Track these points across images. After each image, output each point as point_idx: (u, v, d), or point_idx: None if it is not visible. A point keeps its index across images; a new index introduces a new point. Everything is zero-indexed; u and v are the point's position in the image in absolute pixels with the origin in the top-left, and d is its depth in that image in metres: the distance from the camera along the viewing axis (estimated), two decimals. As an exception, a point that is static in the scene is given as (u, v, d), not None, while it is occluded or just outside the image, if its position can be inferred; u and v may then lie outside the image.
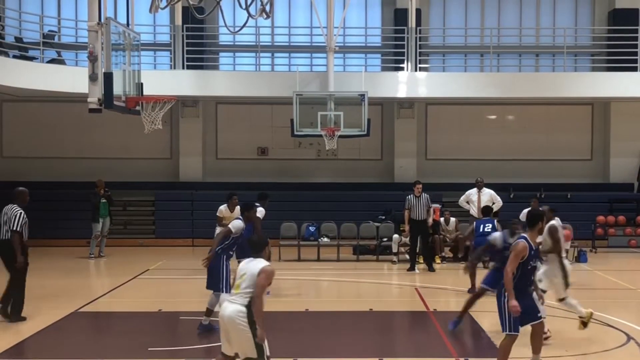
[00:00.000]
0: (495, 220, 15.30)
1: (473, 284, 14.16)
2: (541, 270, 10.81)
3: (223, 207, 16.93)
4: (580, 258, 19.53)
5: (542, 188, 23.41)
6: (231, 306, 7.67)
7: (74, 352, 10.80)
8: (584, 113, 24.91)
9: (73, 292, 14.96)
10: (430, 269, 18.06)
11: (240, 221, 11.49)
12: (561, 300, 10.92)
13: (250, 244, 8.18)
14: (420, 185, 18.38)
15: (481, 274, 13.32)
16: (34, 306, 13.60)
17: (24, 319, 12.08)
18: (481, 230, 15.04)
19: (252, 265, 7.80)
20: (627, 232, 22.71)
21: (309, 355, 10.08)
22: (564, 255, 11.37)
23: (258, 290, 7.62)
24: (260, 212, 13.72)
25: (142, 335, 11.46)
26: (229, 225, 11.42)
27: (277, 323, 11.90)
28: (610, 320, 11.95)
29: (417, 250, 18.47)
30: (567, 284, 10.84)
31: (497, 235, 11.99)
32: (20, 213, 12.02)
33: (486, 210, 16.08)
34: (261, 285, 7.63)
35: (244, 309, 7.61)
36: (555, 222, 11.62)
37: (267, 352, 7.69)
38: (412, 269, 18.02)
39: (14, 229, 11.83)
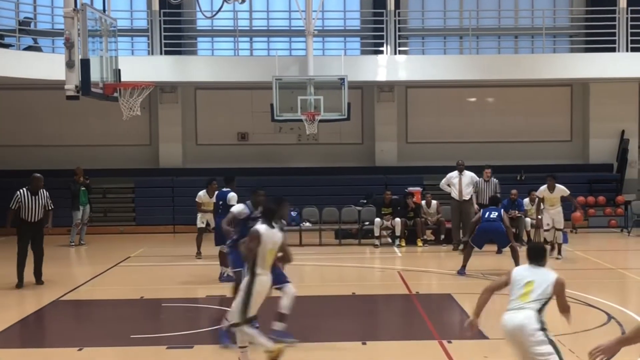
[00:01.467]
0: (502, 210, 15.28)
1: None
2: None
3: (202, 193, 16.90)
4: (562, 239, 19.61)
5: (522, 170, 23.51)
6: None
7: (56, 341, 10.77)
8: (563, 94, 24.99)
9: (54, 281, 14.85)
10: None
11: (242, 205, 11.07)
12: None
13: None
14: (489, 170, 18.75)
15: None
16: (15, 295, 13.54)
17: (22, 285, 14.12)
18: (486, 216, 14.97)
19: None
20: (607, 212, 22.87)
21: (294, 339, 10.04)
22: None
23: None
24: (233, 197, 13.69)
25: (124, 322, 11.42)
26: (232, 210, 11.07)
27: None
28: (591, 300, 12.02)
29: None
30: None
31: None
32: (16, 194, 14.14)
33: (493, 201, 15.97)
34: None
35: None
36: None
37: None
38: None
39: (10, 205, 14.16)
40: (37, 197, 14.25)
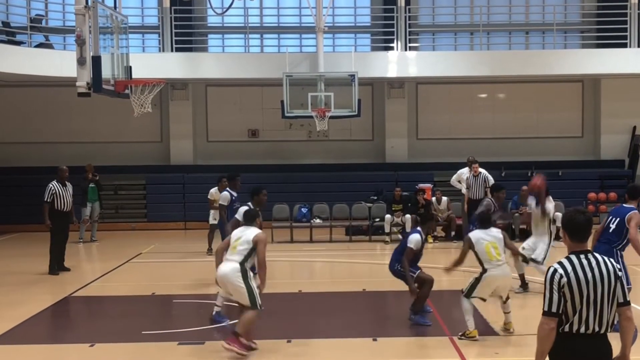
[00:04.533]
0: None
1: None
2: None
3: (213, 190, 16.99)
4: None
5: (533, 166, 23.44)
6: (229, 264, 9.16)
7: (67, 337, 10.82)
8: (574, 90, 24.91)
9: (65, 277, 14.94)
10: None
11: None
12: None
13: (245, 215, 10.01)
14: (477, 165, 18.40)
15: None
16: (28, 291, 13.61)
17: (56, 272, 15.05)
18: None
19: (247, 232, 9.31)
20: (618, 208, 22.76)
21: (302, 337, 10.09)
22: None
23: (261, 259, 9.16)
24: (223, 197, 13.65)
25: (135, 318, 11.46)
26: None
27: (271, 305, 11.88)
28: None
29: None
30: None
31: None
32: (49, 187, 15.09)
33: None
34: (262, 252, 9.16)
35: (238, 266, 9.10)
36: None
37: (259, 300, 9.12)
38: None
39: (44, 199, 15.07)
40: (66, 187, 15.34)
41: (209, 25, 25.52)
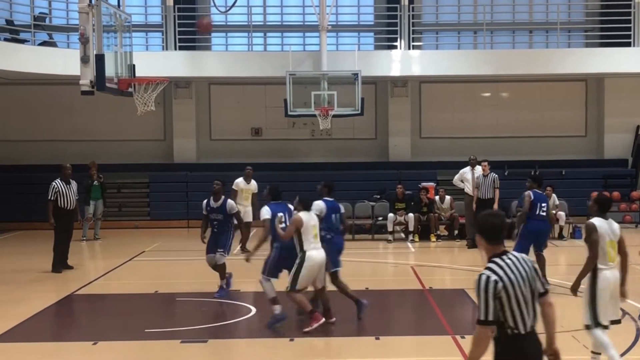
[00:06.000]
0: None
1: None
2: None
3: (239, 180, 17.02)
4: (575, 234, 19.60)
5: (536, 165, 23.40)
6: (323, 251, 10.07)
7: (71, 335, 10.84)
8: (577, 89, 24.88)
9: (68, 275, 14.96)
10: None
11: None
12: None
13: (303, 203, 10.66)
14: (487, 163, 18.08)
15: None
16: (31, 289, 13.62)
17: (59, 270, 14.95)
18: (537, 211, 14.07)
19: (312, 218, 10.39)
20: (621, 207, 22.75)
21: (305, 335, 10.07)
22: None
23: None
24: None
25: (138, 316, 11.47)
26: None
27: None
28: (606, 296, 11.96)
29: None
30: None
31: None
32: (52, 185, 15.05)
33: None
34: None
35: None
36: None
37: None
38: (473, 246, 17.67)
39: (48, 197, 15.00)
40: (70, 185, 15.34)
41: (212, 23, 25.48)
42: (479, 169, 18.92)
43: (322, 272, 10.20)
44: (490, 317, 4.96)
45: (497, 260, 5.09)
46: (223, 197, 12.45)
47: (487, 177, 17.98)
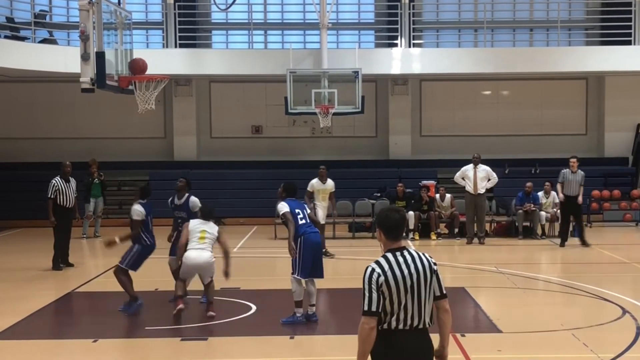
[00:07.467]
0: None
1: None
2: None
3: (314, 181, 16.61)
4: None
5: (536, 163, 23.43)
6: (205, 253, 10.63)
7: (71, 332, 10.83)
8: (578, 87, 24.88)
9: (69, 273, 14.96)
10: (584, 244, 17.63)
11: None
12: None
13: (202, 211, 11.25)
14: (576, 160, 17.95)
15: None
16: (31, 286, 13.62)
17: (59, 268, 14.97)
18: None
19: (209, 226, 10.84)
20: (622, 206, 22.75)
21: (305, 333, 10.08)
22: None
23: (228, 248, 10.70)
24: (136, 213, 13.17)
25: (138, 314, 11.46)
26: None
27: (273, 301, 11.92)
28: (606, 294, 11.98)
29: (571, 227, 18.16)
30: None
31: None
32: (52, 183, 15.08)
33: None
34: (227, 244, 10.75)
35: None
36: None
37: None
38: (562, 244, 17.73)
39: (47, 195, 15.02)
40: (69, 183, 15.36)
41: (212, 21, 25.52)
42: (482, 167, 18.93)
43: (204, 270, 10.71)
44: (374, 308, 4.98)
45: (389, 255, 5.13)
46: (187, 194, 12.46)
47: (575, 173, 17.83)
